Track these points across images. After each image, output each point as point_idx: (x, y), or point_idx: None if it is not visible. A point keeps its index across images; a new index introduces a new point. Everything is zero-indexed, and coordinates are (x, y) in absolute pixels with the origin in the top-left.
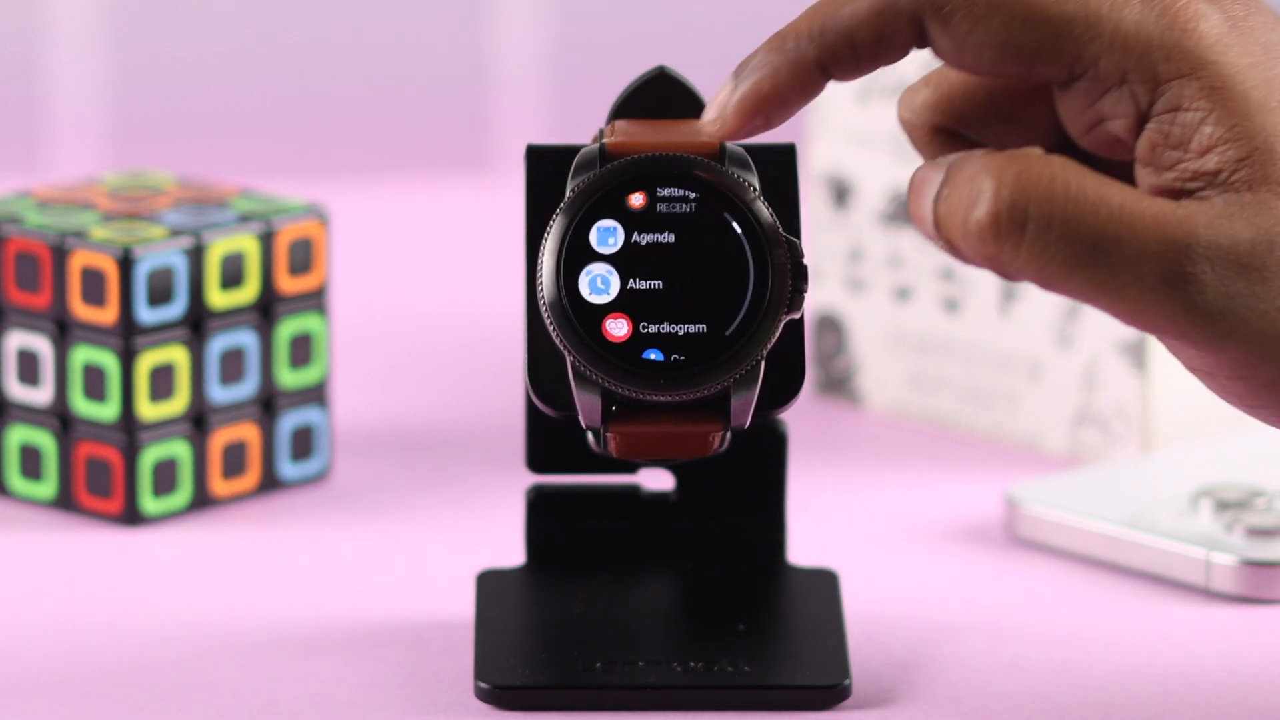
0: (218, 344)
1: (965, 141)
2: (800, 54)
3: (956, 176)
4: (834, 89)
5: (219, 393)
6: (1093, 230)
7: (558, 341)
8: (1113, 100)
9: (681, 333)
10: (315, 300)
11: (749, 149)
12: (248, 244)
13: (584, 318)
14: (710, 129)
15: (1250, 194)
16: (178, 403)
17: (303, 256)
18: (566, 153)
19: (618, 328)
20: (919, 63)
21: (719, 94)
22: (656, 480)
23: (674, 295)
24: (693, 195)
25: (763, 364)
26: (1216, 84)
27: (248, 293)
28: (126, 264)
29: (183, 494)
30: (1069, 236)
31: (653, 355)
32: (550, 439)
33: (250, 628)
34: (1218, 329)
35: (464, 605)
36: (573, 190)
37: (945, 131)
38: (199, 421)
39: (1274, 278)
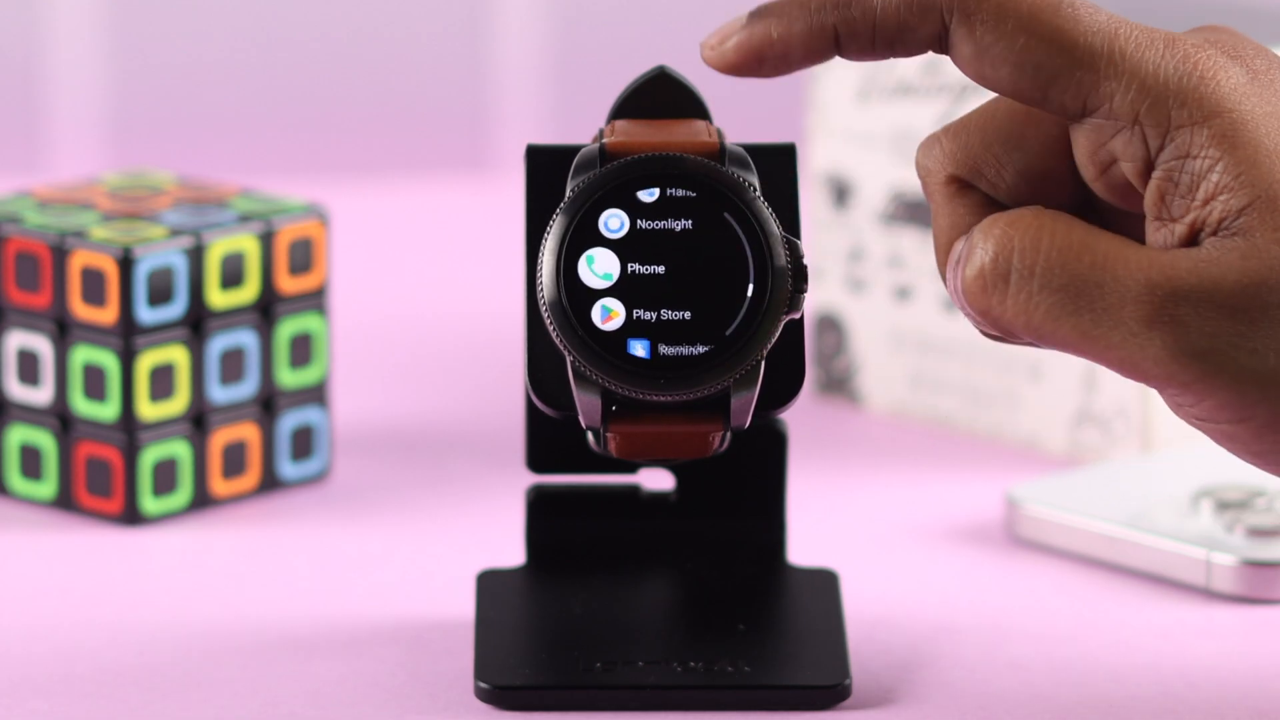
0: (218, 344)
1: (979, 194)
2: (821, 18)
3: (965, 243)
4: (834, 88)
5: (219, 393)
6: (1075, 277)
7: (557, 342)
8: (1123, 141)
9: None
10: (315, 300)
11: (749, 149)
12: (248, 244)
13: (583, 318)
14: (707, 53)
15: (1243, 239)
16: (178, 403)
17: (303, 256)
18: (566, 153)
19: (613, 322)
20: (920, 62)
21: (728, 24)
22: (656, 480)
23: (674, 295)
24: (692, 195)
25: (763, 364)
26: (1228, 132)
27: (248, 293)
28: (126, 264)
29: (183, 494)
30: (1051, 285)
31: (645, 350)
32: (550, 439)
33: (250, 628)
34: (1203, 369)
35: (464, 605)
36: (573, 190)
37: (960, 182)
38: (199, 421)
39: (1262, 319)
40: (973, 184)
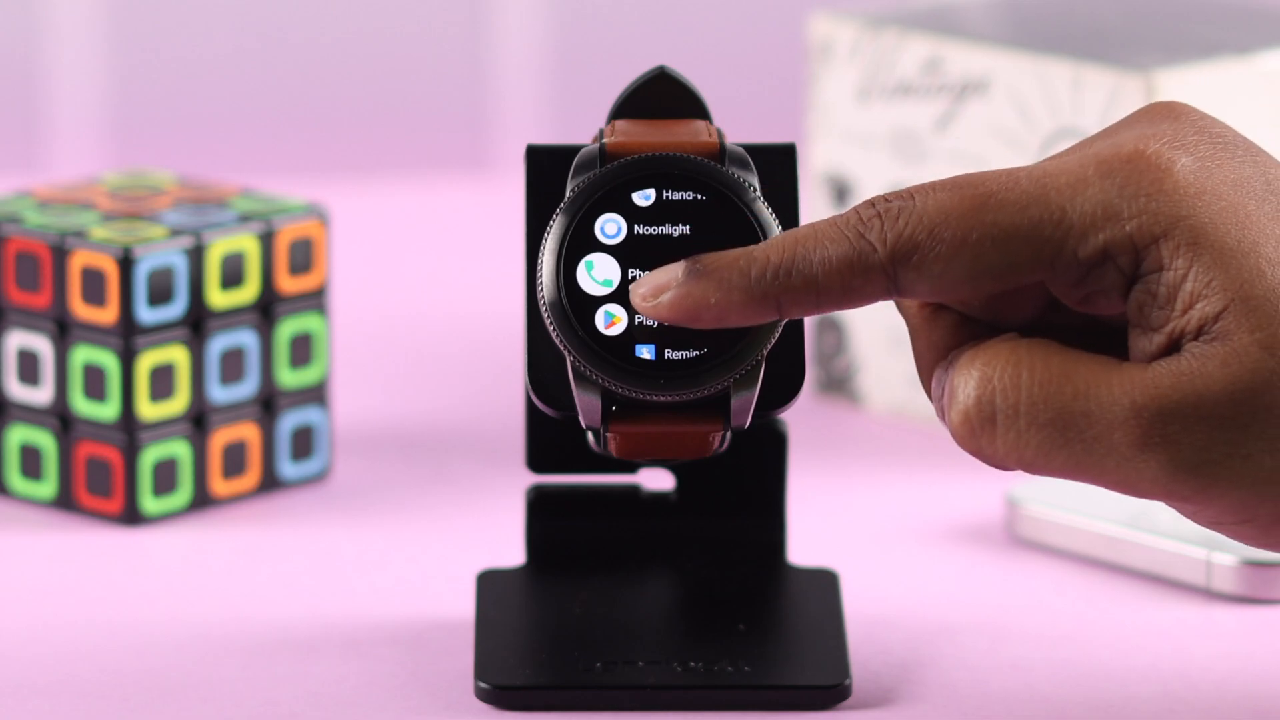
0: (218, 344)
1: (953, 313)
2: (761, 289)
3: (947, 379)
4: (834, 88)
5: (219, 393)
6: (1061, 411)
7: (558, 342)
8: (1098, 275)
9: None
10: (315, 300)
11: (749, 149)
12: (248, 244)
13: (584, 318)
14: (639, 302)
15: (1221, 344)
16: (178, 403)
17: (303, 256)
18: (566, 153)
19: (616, 327)
20: (920, 62)
21: (664, 273)
22: (656, 480)
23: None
24: (692, 195)
25: (763, 364)
26: (1190, 239)
27: (248, 293)
28: (126, 264)
29: (183, 494)
30: (1037, 421)
31: (650, 354)
32: (550, 439)
33: (250, 628)
34: (1201, 482)
35: (464, 605)
36: (573, 190)
37: (934, 305)
38: (199, 421)
39: (1252, 424)
40: (946, 305)
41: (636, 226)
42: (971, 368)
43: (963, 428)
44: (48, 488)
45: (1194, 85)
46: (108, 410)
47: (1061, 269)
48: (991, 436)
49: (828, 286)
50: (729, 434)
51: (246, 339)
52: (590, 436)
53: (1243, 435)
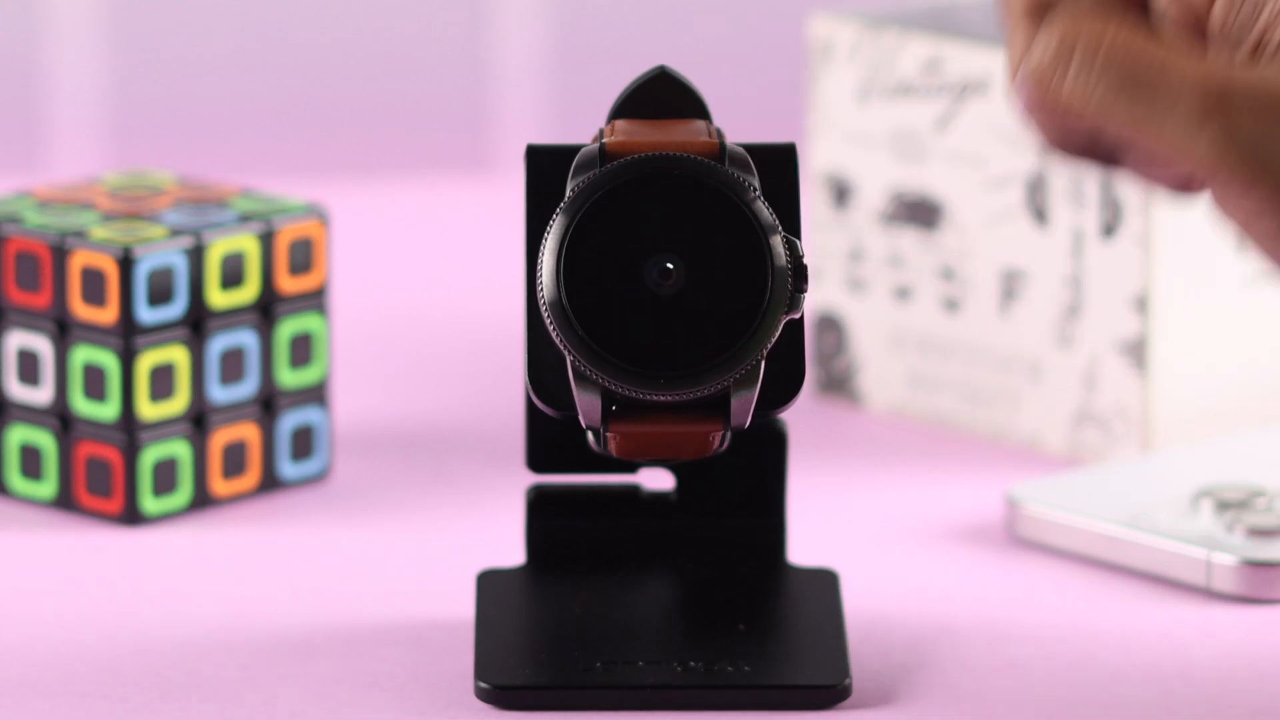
0: (218, 344)
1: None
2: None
3: (1037, 37)
4: (834, 88)
5: (219, 393)
6: (1137, 66)
7: (558, 341)
8: None
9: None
10: (315, 300)
11: (749, 149)
12: (248, 244)
13: (584, 317)
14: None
15: None
16: (178, 403)
17: (303, 256)
18: (566, 153)
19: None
20: (920, 62)
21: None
22: (656, 480)
23: (674, 295)
24: (692, 195)
25: (763, 364)
26: None
27: (248, 293)
28: (126, 264)
29: (183, 494)
30: (1112, 68)
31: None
32: (550, 439)
33: (250, 628)
34: (1249, 165)
35: (464, 605)
36: (573, 190)
37: (1040, 6)
38: (199, 421)
39: None
40: (1052, 3)
41: (639, 223)
42: (1065, 14)
43: (1039, 62)
44: (48, 488)
45: None
46: (108, 410)
47: None
48: (1064, 74)
49: None
50: (729, 434)
51: (246, 339)
52: (590, 436)
53: None
